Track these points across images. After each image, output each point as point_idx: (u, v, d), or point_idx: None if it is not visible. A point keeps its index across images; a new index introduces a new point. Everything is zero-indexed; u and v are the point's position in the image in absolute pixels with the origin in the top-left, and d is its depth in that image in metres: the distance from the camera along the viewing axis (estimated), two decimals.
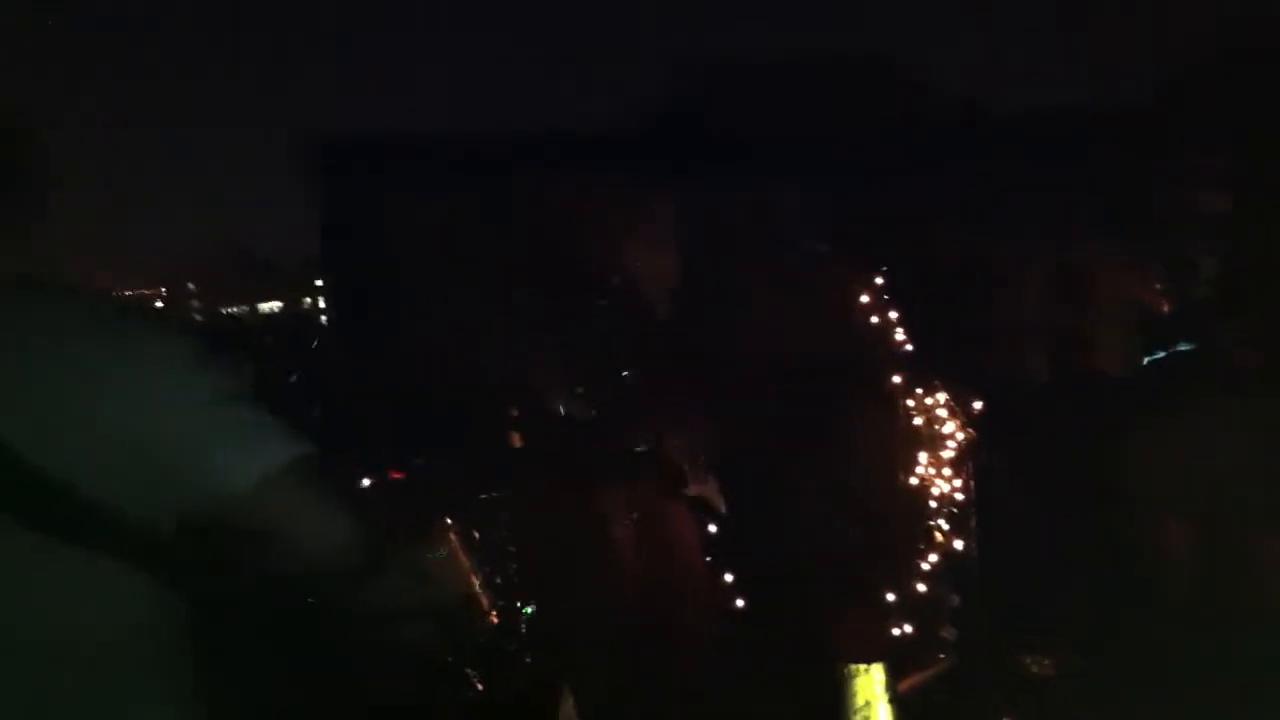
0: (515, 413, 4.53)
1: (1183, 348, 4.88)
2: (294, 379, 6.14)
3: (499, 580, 4.04)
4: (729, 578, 4.47)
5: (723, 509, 4.32)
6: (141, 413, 1.54)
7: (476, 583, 3.85)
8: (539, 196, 4.30)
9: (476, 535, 4.13)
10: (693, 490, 4.23)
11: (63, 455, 1.52)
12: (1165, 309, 5.04)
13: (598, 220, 4.20)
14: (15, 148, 1.74)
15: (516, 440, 4.54)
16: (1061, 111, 6.87)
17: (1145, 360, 4.89)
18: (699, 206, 5.13)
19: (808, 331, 4.97)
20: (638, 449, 4.21)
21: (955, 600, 4.46)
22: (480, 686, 3.45)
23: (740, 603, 4.45)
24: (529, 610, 3.91)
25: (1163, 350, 4.88)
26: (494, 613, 3.86)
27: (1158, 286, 5.09)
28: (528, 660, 3.81)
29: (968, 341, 5.07)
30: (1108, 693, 3.95)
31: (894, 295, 4.69)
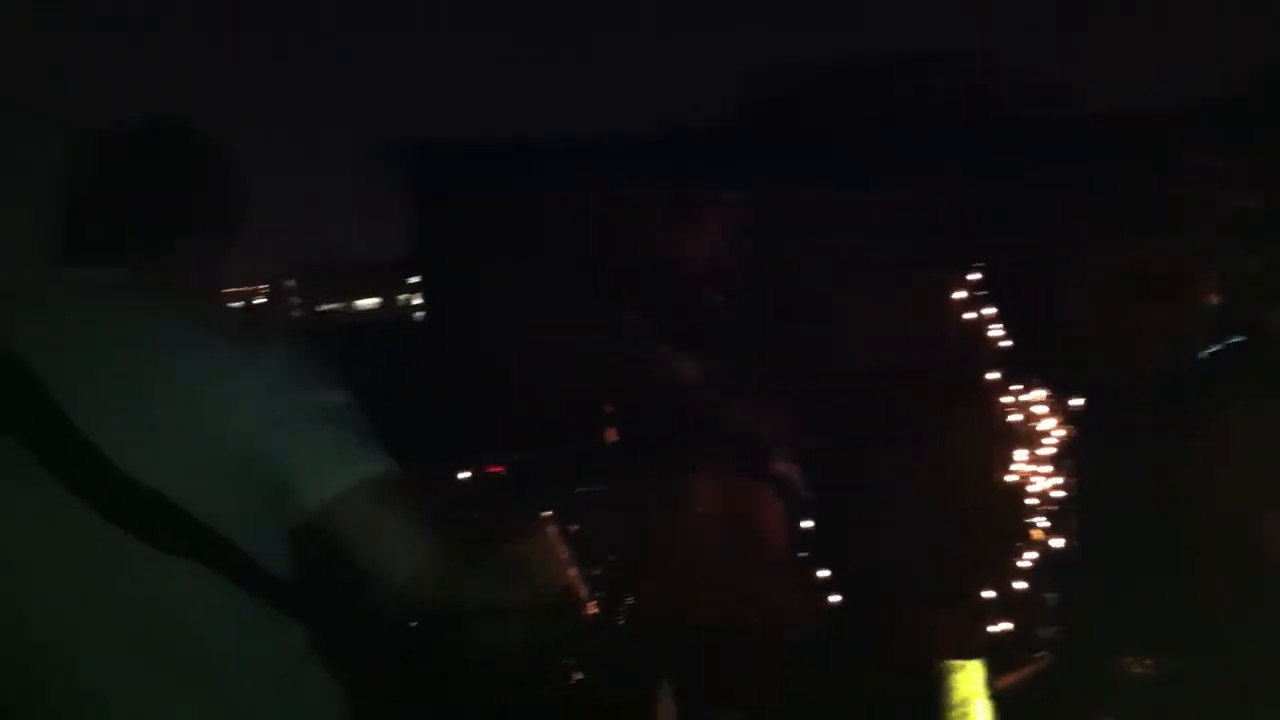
0: (610, 408, 4.59)
1: (1235, 340, 4.79)
2: (393, 375, 6.28)
3: (597, 573, 4.10)
4: (824, 573, 4.48)
5: (805, 491, 4.32)
6: (243, 423, 1.57)
7: (575, 576, 3.92)
8: (635, 195, 4.35)
9: (575, 528, 4.21)
10: (779, 470, 4.23)
11: (172, 468, 1.56)
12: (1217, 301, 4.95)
13: (693, 217, 4.23)
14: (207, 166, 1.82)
15: (612, 435, 4.59)
16: (1152, 107, 6.74)
17: (1201, 354, 4.81)
18: (790, 202, 5.14)
19: (903, 328, 4.95)
20: (730, 442, 4.23)
21: (1054, 598, 4.41)
22: (580, 678, 3.52)
23: (836, 598, 4.46)
24: (628, 602, 3.97)
25: (1217, 344, 4.79)
26: (593, 605, 3.93)
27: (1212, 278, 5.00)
28: (626, 652, 3.87)
29: (1065, 337, 5.01)
30: (1210, 693, 3.88)
31: (990, 291, 4.65)
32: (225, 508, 1.56)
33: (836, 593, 4.47)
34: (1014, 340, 4.64)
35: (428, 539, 1.67)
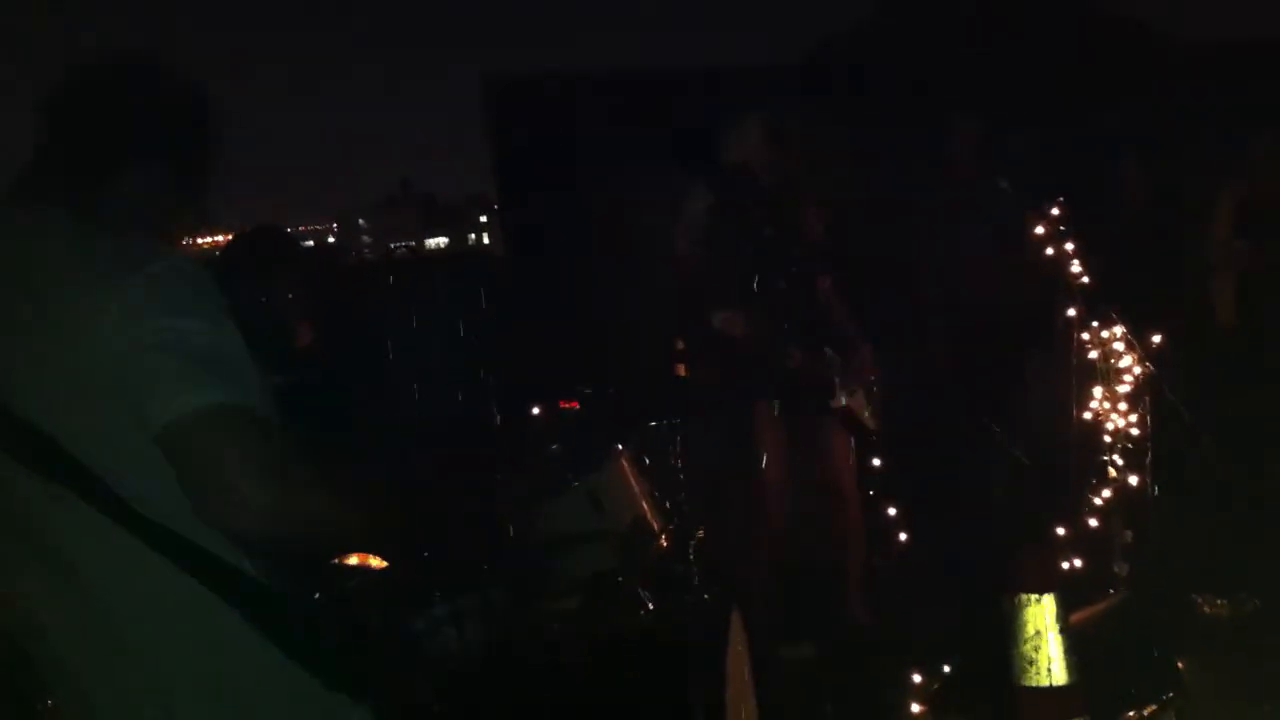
0: (680, 344, 4.60)
1: None
2: (467, 312, 6.36)
3: (669, 505, 4.15)
4: (898, 508, 4.50)
5: (872, 426, 4.32)
6: (107, 344, 1.53)
7: (646, 507, 3.98)
8: (712, 126, 4.33)
9: (647, 461, 4.26)
10: (844, 400, 4.23)
11: (45, 387, 1.56)
12: None
13: (768, 149, 4.20)
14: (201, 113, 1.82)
15: (682, 370, 4.61)
16: (1240, 42, 6.55)
17: None
18: (875, 138, 5.10)
19: (984, 264, 4.90)
20: (802, 378, 4.23)
21: (1128, 536, 4.39)
22: (651, 606, 3.58)
23: (910, 532, 4.47)
24: (698, 535, 4.02)
25: None
26: (664, 536, 3.99)
27: None
28: (697, 582, 3.93)
29: (1147, 275, 4.94)
30: None
31: (1071, 227, 4.58)
32: (91, 426, 1.54)
33: (911, 526, 4.49)
34: (1092, 277, 4.58)
35: (269, 473, 1.49)
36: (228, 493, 1.48)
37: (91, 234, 1.64)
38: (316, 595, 1.77)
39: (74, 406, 1.55)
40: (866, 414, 4.34)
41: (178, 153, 1.78)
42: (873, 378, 4.37)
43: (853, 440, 4.38)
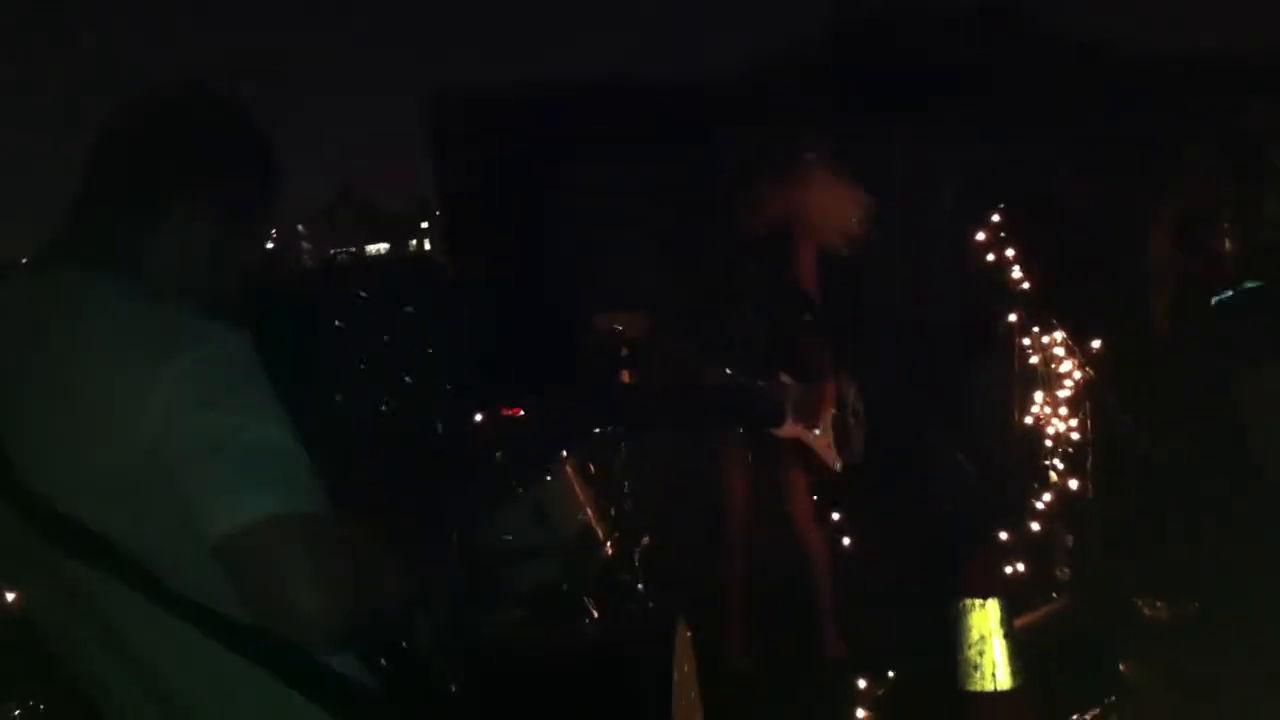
0: (625, 351, 4.57)
1: (1250, 285, 4.78)
2: (410, 319, 6.29)
3: (614, 513, 4.12)
4: (841, 514, 4.50)
5: (831, 461, 4.30)
6: (147, 440, 1.42)
7: (592, 515, 3.95)
8: (654, 140, 4.32)
9: (592, 469, 4.23)
10: (796, 430, 4.23)
11: (80, 477, 1.47)
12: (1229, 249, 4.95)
13: (728, 163, 4.20)
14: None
15: (626, 377, 4.59)
16: (1178, 54, 6.67)
17: (1214, 300, 4.81)
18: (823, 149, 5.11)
19: (924, 271, 4.93)
20: (750, 386, 4.23)
21: (1070, 540, 4.44)
22: (596, 615, 3.55)
23: (854, 538, 4.48)
24: (644, 542, 3.99)
25: (1230, 289, 4.78)
26: (610, 544, 3.96)
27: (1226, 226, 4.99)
28: (642, 591, 3.90)
29: (1085, 280, 5.00)
30: (1222, 637, 3.91)
31: (1011, 233, 4.62)
32: (129, 526, 1.44)
33: (855, 533, 4.50)
34: (1032, 283, 4.62)
35: (334, 584, 1.40)
36: (287, 613, 1.39)
37: (137, 306, 1.52)
38: None
39: (115, 502, 1.45)
40: (828, 448, 4.29)
41: (230, 194, 1.67)
42: (834, 412, 4.33)
43: (808, 473, 4.35)
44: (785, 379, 4.20)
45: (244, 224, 1.70)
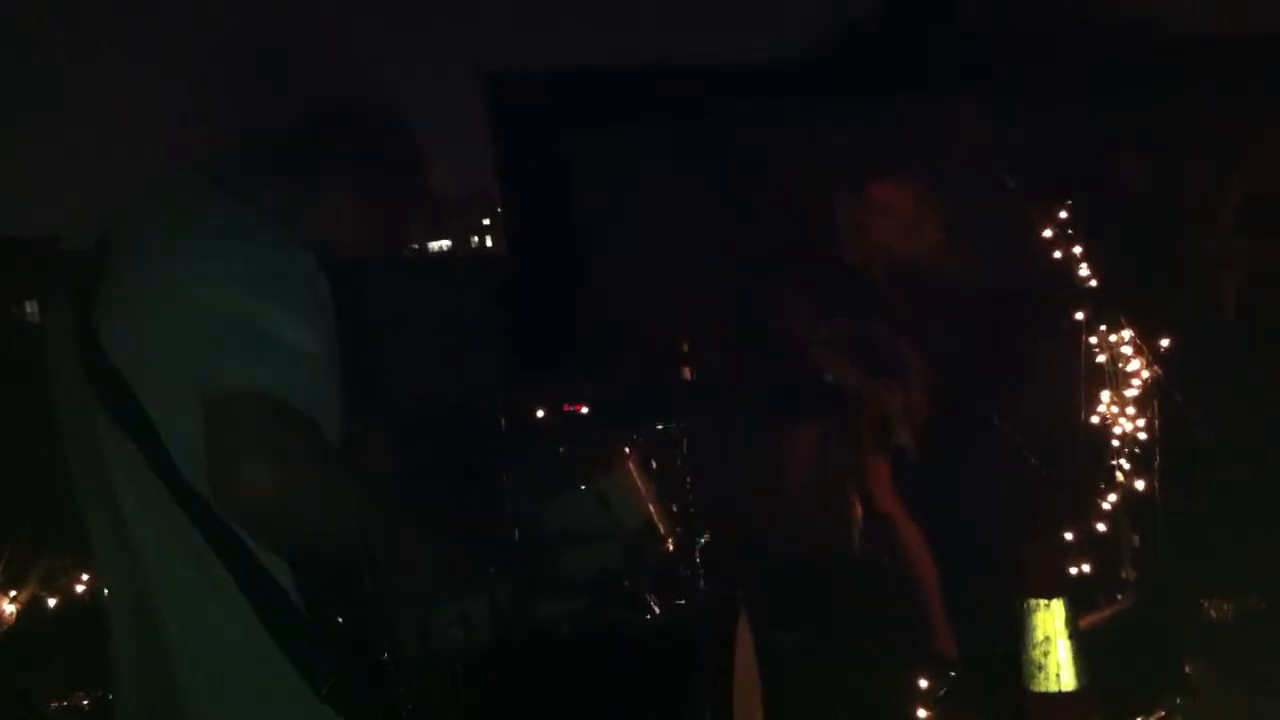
0: (686, 347, 4.59)
1: None
2: (473, 314, 6.35)
3: (675, 508, 4.13)
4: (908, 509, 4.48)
5: (911, 450, 4.30)
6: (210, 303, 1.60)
7: (654, 510, 3.96)
8: (721, 127, 4.32)
9: (653, 464, 4.24)
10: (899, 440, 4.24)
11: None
12: None
13: (780, 153, 4.20)
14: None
15: (688, 374, 4.60)
16: (1241, 36, 6.53)
17: None
18: (882, 138, 5.08)
19: (990, 266, 4.88)
20: (811, 380, 4.23)
21: (1136, 540, 4.38)
22: (657, 610, 3.56)
23: (918, 534, 4.46)
24: (703, 538, 4.00)
25: None
26: (671, 539, 3.97)
27: None
28: (703, 586, 3.91)
29: (1155, 276, 4.92)
30: None
31: (1079, 228, 4.56)
32: (160, 380, 1.57)
33: (920, 529, 4.48)
34: (1100, 280, 4.56)
35: (291, 477, 1.49)
36: (232, 482, 1.49)
37: (234, 204, 1.68)
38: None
39: (152, 358, 1.58)
40: (914, 445, 4.32)
41: (369, 185, 1.86)
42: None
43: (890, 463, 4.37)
44: (872, 377, 4.22)
45: (376, 210, 1.88)
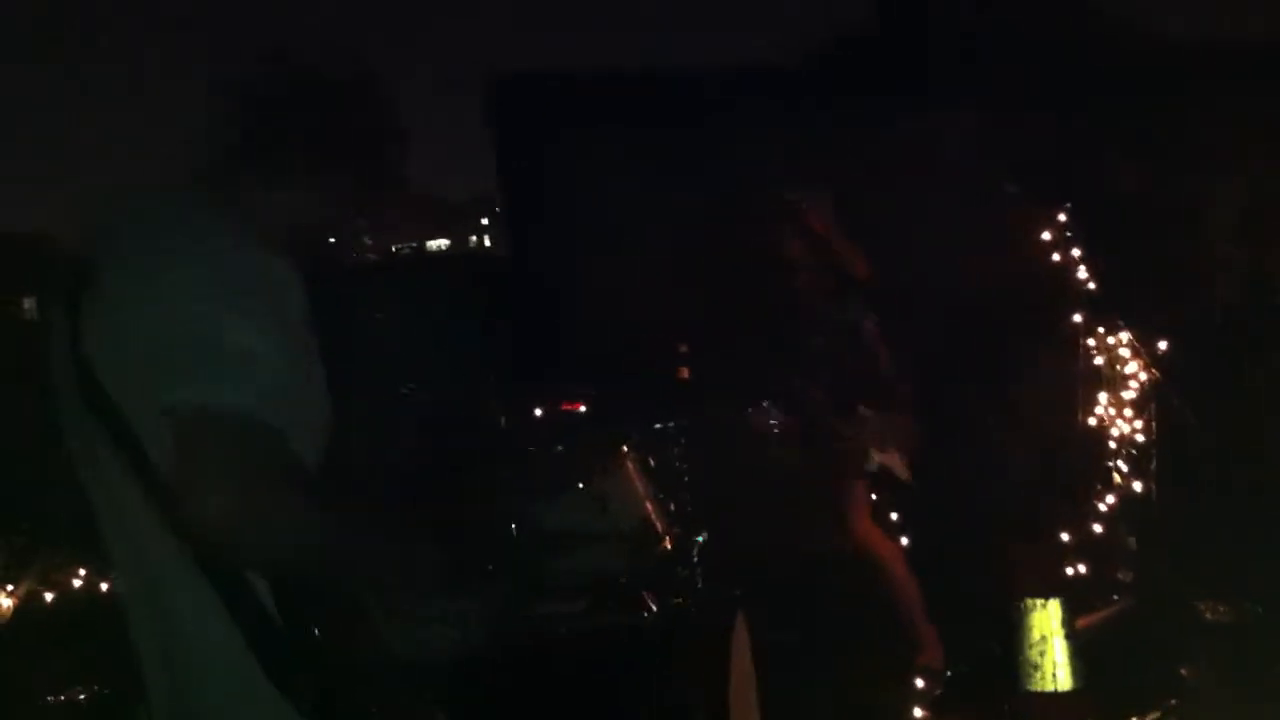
0: (684, 349, 4.59)
1: None
2: (470, 314, 6.34)
3: (672, 508, 4.14)
4: (901, 513, 4.48)
5: (905, 477, 4.28)
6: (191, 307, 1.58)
7: (651, 510, 3.97)
8: (718, 131, 4.32)
9: (651, 463, 4.25)
10: (882, 465, 4.21)
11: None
12: None
13: (772, 156, 4.20)
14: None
15: (684, 374, 4.60)
16: (1241, 41, 6.53)
17: None
18: (880, 143, 5.08)
19: (989, 269, 4.88)
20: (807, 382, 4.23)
21: (1132, 542, 4.39)
22: (654, 608, 3.57)
23: (914, 537, 4.46)
24: (701, 538, 4.00)
25: None
26: (668, 539, 3.98)
27: None
28: (700, 585, 3.91)
29: (1152, 280, 4.93)
30: None
31: (1077, 232, 4.57)
32: (139, 393, 1.56)
33: (917, 531, 4.48)
34: (1098, 283, 4.57)
35: (246, 489, 1.48)
36: (188, 496, 1.47)
37: (206, 213, 1.67)
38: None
39: (127, 372, 1.58)
40: (901, 466, 4.29)
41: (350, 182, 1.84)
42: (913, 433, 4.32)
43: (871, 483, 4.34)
44: (862, 409, 4.21)
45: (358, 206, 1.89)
